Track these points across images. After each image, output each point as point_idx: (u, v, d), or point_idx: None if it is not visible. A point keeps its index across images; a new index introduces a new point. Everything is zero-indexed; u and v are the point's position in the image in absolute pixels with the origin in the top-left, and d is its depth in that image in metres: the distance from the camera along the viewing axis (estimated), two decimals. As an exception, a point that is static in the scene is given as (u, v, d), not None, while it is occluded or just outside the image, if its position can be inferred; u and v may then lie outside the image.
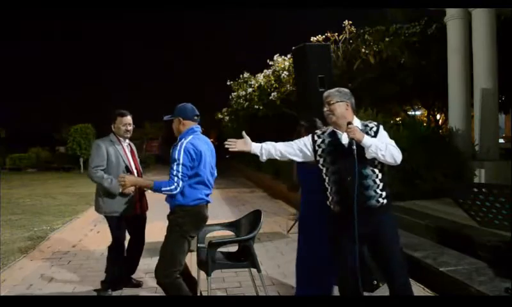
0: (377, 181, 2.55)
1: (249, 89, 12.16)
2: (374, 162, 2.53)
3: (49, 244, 5.52)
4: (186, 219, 2.93)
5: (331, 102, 2.59)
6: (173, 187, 2.81)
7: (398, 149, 2.48)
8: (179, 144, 2.91)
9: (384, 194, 2.56)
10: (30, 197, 10.59)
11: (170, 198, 2.96)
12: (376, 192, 2.54)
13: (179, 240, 2.92)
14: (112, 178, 3.48)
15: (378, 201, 2.54)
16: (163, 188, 2.82)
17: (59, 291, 3.77)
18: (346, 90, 2.68)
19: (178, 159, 2.84)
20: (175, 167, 2.83)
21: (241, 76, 13.00)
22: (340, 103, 2.58)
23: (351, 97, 2.65)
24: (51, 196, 10.65)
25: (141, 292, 3.74)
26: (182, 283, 2.90)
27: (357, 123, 2.59)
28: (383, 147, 2.45)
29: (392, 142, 2.53)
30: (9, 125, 33.58)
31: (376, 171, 2.55)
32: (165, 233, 3.00)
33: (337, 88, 2.69)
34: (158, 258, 2.92)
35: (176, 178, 2.81)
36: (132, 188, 3.46)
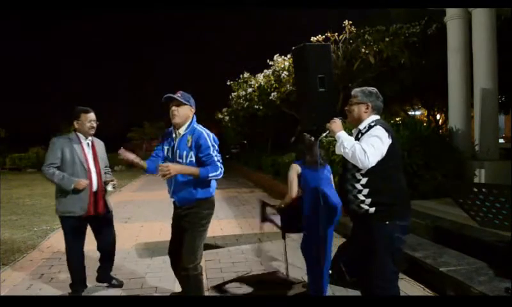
0: (358, 186, 2.48)
1: (249, 89, 12.16)
2: (356, 166, 2.45)
3: (49, 244, 5.52)
4: (210, 210, 3.02)
5: (352, 102, 2.61)
6: (218, 172, 2.86)
7: (368, 154, 2.33)
8: (202, 131, 2.93)
9: (368, 200, 2.45)
10: (30, 197, 10.59)
11: (189, 192, 2.93)
12: (355, 197, 2.49)
13: (204, 232, 3.00)
14: (64, 174, 3.42)
15: (360, 207, 2.48)
16: (210, 175, 2.84)
17: (59, 291, 3.77)
18: (371, 90, 2.62)
19: (213, 145, 2.90)
20: (213, 153, 2.87)
21: (241, 76, 13.02)
22: (359, 105, 2.58)
23: (376, 98, 2.59)
24: (51, 196, 10.60)
25: (141, 292, 3.74)
26: (202, 279, 3.00)
27: (368, 122, 2.54)
28: (349, 145, 2.40)
29: (371, 145, 2.37)
30: (9, 125, 33.63)
31: (358, 175, 2.48)
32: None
33: (363, 88, 2.65)
34: (184, 251, 2.90)
35: (219, 163, 2.87)
36: (85, 185, 3.42)
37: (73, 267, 3.62)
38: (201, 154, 2.86)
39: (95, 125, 3.59)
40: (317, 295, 3.41)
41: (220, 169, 2.87)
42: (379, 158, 2.38)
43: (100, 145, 3.76)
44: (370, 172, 2.43)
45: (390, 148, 2.42)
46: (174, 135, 3.01)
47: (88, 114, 3.55)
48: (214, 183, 3.04)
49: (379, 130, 2.43)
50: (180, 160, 2.91)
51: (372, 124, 2.51)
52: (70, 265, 3.62)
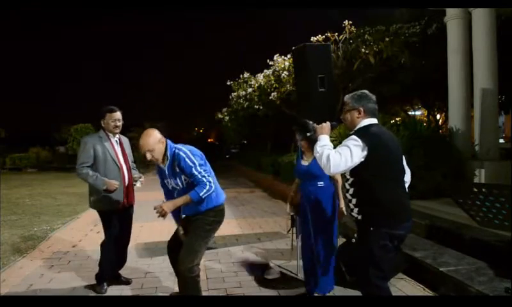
0: (348, 195, 2.53)
1: (249, 89, 12.15)
2: (346, 175, 2.50)
3: (49, 244, 5.52)
4: (217, 218, 3.04)
5: (345, 110, 2.58)
6: (207, 187, 2.85)
7: (331, 161, 2.30)
8: (179, 153, 2.88)
9: (356, 209, 2.48)
10: (30, 197, 10.58)
11: (198, 205, 2.95)
12: (348, 205, 2.56)
13: (207, 238, 3.02)
14: (97, 175, 3.55)
15: (352, 215, 2.54)
16: (201, 194, 2.84)
17: (59, 291, 3.77)
18: (361, 94, 2.56)
19: (193, 163, 2.86)
20: (196, 171, 2.84)
21: (241, 76, 13.02)
22: (352, 112, 2.53)
23: (367, 101, 2.52)
24: (51, 196, 10.64)
25: (141, 292, 3.74)
26: (199, 281, 3.00)
27: (358, 127, 2.49)
28: (320, 151, 2.40)
29: (339, 153, 2.33)
30: (9, 125, 33.63)
31: (347, 185, 2.52)
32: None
33: (353, 93, 2.59)
34: (182, 252, 2.92)
35: (204, 179, 2.85)
36: (116, 186, 3.55)
37: (108, 255, 3.70)
38: (187, 175, 2.89)
39: (118, 123, 3.71)
40: (313, 293, 3.45)
41: (207, 183, 2.84)
42: (343, 168, 2.33)
43: (126, 142, 3.92)
44: (355, 183, 2.46)
45: (370, 158, 2.35)
46: (163, 168, 3.02)
47: (113, 114, 3.68)
48: (219, 192, 3.05)
49: (352, 140, 2.37)
50: (178, 187, 2.99)
51: (351, 132, 2.49)
52: (106, 254, 3.71)
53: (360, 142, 2.35)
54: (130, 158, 3.90)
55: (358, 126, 2.51)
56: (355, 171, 2.41)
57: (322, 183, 3.47)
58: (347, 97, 2.60)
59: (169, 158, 2.94)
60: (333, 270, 3.53)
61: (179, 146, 2.98)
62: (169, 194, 3.14)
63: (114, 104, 3.73)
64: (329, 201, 3.46)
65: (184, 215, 3.17)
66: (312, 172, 3.46)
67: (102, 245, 3.77)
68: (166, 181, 3.09)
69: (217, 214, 3.04)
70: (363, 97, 2.54)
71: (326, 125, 2.60)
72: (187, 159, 2.86)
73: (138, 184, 3.79)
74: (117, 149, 3.74)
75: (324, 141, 2.49)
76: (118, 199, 3.64)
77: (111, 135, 3.73)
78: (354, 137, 2.39)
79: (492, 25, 6.91)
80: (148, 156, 2.92)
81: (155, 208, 2.87)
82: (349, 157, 2.32)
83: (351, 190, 2.49)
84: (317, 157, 2.43)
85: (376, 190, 2.40)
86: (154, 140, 2.91)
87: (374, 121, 2.52)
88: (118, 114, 3.70)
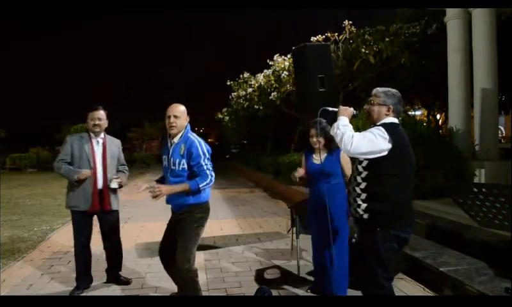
0: (357, 189, 2.46)
1: (249, 89, 12.16)
2: (359, 169, 2.45)
3: (49, 244, 5.52)
4: (204, 214, 3.09)
5: (373, 102, 2.52)
6: (208, 180, 2.97)
7: (354, 140, 2.28)
8: (195, 140, 3.02)
9: (364, 206, 2.42)
10: (30, 197, 10.58)
11: (182, 198, 3.00)
12: (355, 200, 2.48)
13: (197, 236, 3.05)
14: (69, 167, 3.61)
15: (357, 211, 2.47)
16: (201, 185, 2.94)
17: (59, 291, 3.77)
18: (394, 93, 2.52)
19: (204, 154, 3.00)
20: (203, 162, 2.97)
21: (241, 76, 13.03)
22: (381, 107, 2.48)
23: (398, 102, 2.49)
24: (51, 196, 10.63)
25: (141, 292, 3.74)
26: (198, 280, 3.04)
27: (382, 122, 2.45)
28: (343, 129, 2.36)
29: (362, 135, 2.33)
30: (9, 125, 33.64)
31: (358, 179, 2.45)
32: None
33: (385, 89, 2.53)
34: (178, 254, 2.96)
35: (208, 171, 2.98)
36: (87, 174, 3.55)
37: (77, 260, 3.72)
38: (192, 162, 2.98)
39: (97, 122, 3.68)
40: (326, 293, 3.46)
41: (210, 176, 2.97)
42: (364, 150, 2.30)
43: (113, 144, 3.86)
44: (369, 177, 2.41)
45: (393, 155, 2.33)
46: (169, 144, 3.11)
47: (92, 113, 3.69)
48: (208, 190, 3.11)
49: (378, 131, 2.35)
50: (174, 167, 3.04)
51: (378, 123, 2.45)
52: (75, 258, 3.74)
53: (386, 135, 2.33)
54: (115, 161, 3.81)
55: (383, 121, 2.45)
56: (373, 165, 2.36)
57: (336, 180, 3.40)
58: (378, 90, 2.54)
59: (183, 138, 3.06)
60: (347, 268, 3.46)
61: (194, 134, 3.12)
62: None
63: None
64: (343, 199, 3.36)
65: (171, 207, 3.19)
66: (326, 170, 3.40)
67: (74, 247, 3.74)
68: (164, 157, 3.17)
69: (203, 210, 3.10)
70: (396, 97, 2.51)
71: (350, 109, 2.56)
72: (199, 148, 2.98)
73: (113, 184, 3.63)
74: (96, 150, 3.68)
75: (346, 121, 2.45)
76: (87, 200, 3.59)
77: (93, 135, 3.70)
78: (381, 128, 2.36)
79: (492, 25, 6.91)
80: (172, 119, 3.02)
81: (151, 187, 2.91)
82: (372, 142, 2.30)
83: (363, 185, 2.43)
84: (337, 134, 2.38)
85: (390, 189, 2.37)
86: (184, 111, 3.08)
87: (397, 121, 2.50)
88: (98, 113, 3.67)
